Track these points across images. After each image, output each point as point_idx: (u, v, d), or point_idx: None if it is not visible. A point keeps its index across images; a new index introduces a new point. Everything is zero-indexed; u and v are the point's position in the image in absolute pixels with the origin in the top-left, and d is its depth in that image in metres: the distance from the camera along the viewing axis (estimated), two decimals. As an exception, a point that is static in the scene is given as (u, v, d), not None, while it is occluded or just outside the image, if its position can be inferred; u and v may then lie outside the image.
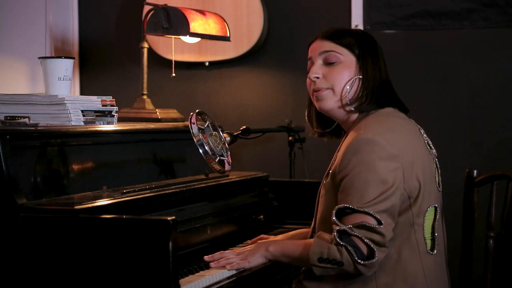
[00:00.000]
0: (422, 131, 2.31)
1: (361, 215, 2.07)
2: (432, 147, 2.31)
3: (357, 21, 3.67)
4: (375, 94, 2.23)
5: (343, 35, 2.28)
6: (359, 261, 2.06)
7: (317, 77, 2.27)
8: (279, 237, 2.58)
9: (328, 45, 2.27)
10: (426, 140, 2.30)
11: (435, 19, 3.61)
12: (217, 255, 2.36)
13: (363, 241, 2.06)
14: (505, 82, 3.55)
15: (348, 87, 2.23)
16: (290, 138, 3.48)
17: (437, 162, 2.30)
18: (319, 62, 2.28)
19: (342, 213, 2.10)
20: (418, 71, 3.64)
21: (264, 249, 2.29)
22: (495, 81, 3.56)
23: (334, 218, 2.10)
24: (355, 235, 2.07)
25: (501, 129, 3.55)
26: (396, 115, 2.25)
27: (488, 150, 3.56)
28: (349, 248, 2.06)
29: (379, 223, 2.06)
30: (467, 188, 2.57)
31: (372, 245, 2.06)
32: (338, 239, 2.08)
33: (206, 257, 2.35)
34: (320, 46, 2.28)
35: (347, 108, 2.24)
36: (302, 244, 2.22)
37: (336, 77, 2.25)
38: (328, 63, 2.27)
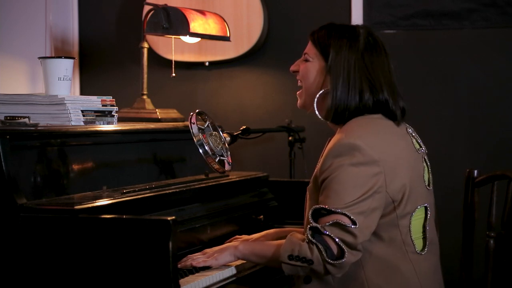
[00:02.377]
0: (410, 130, 2.29)
1: (336, 215, 2.07)
2: (422, 146, 2.29)
3: (357, 21, 3.66)
4: (349, 106, 2.19)
5: (322, 36, 2.25)
6: (328, 260, 2.06)
7: (295, 71, 2.32)
8: (253, 236, 2.58)
9: (309, 45, 2.29)
10: (415, 138, 2.28)
11: (435, 19, 3.61)
12: (184, 258, 2.35)
13: (334, 241, 2.06)
14: (505, 82, 3.55)
15: (316, 100, 2.23)
16: (290, 138, 3.48)
17: (426, 160, 2.28)
18: (302, 58, 2.31)
19: (319, 214, 2.10)
20: (418, 71, 3.64)
21: (233, 248, 2.29)
22: (495, 81, 3.56)
23: (310, 217, 2.10)
24: (327, 234, 2.06)
25: (501, 129, 3.55)
26: (380, 117, 2.22)
27: (488, 150, 3.56)
28: (320, 247, 2.06)
29: (354, 223, 2.06)
30: (468, 188, 2.58)
31: (342, 246, 2.06)
32: (310, 237, 2.08)
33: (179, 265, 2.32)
34: (308, 45, 2.30)
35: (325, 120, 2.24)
36: (274, 245, 2.22)
37: (303, 73, 2.29)
38: (305, 60, 2.30)
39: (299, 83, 2.33)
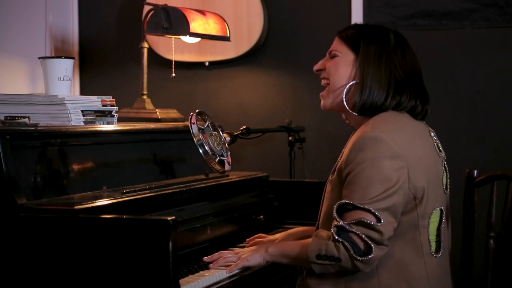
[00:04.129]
0: (433, 134, 2.30)
1: (361, 211, 2.07)
2: (442, 150, 2.31)
3: (357, 21, 3.66)
4: (378, 98, 2.21)
5: (351, 33, 2.27)
6: (356, 257, 2.06)
7: (320, 70, 2.31)
8: (277, 235, 2.58)
9: (335, 43, 2.30)
10: (436, 142, 2.29)
11: (435, 19, 3.61)
12: (216, 255, 2.37)
13: (360, 237, 2.07)
14: (505, 82, 3.55)
15: (345, 91, 2.23)
16: (290, 138, 3.48)
17: (446, 165, 2.30)
18: (327, 56, 2.31)
19: (344, 209, 2.11)
20: (418, 71, 3.64)
21: (263, 251, 2.30)
22: (495, 81, 3.56)
23: (334, 213, 2.11)
24: (353, 232, 2.07)
25: (502, 129, 3.55)
26: (405, 116, 2.24)
27: (488, 150, 3.56)
28: (346, 244, 2.07)
29: (378, 220, 2.06)
30: (468, 188, 2.57)
31: (369, 242, 2.06)
32: (335, 235, 2.09)
33: (205, 258, 2.36)
34: (334, 43, 2.31)
35: (349, 111, 2.25)
36: (301, 244, 2.22)
37: (331, 68, 2.27)
38: (331, 57, 2.30)
39: (323, 82, 2.31)
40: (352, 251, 2.07)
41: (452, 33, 3.60)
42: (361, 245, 2.07)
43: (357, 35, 2.26)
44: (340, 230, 2.09)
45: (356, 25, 2.32)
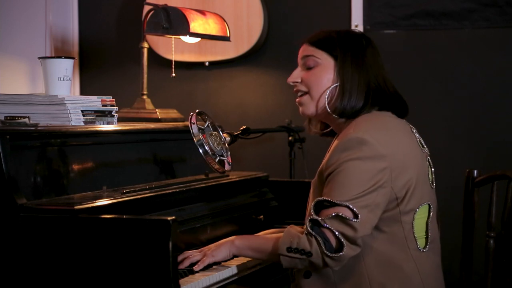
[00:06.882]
0: (414, 131, 2.31)
1: (339, 207, 2.08)
2: (424, 146, 2.32)
3: (357, 21, 3.66)
4: (358, 101, 2.21)
5: (323, 38, 2.27)
6: (326, 253, 2.07)
7: (296, 82, 2.30)
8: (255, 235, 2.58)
9: (308, 50, 2.29)
10: (418, 139, 2.30)
11: (435, 19, 3.61)
12: (181, 256, 2.31)
13: (333, 233, 2.07)
14: (505, 82, 3.55)
15: (327, 95, 2.24)
16: (290, 138, 3.48)
17: (429, 160, 2.31)
18: (300, 67, 2.31)
19: (321, 206, 2.11)
20: (418, 71, 3.64)
21: (229, 243, 2.28)
22: (495, 81, 3.56)
23: (311, 209, 2.11)
24: (326, 227, 2.07)
25: (501, 129, 3.55)
26: (388, 115, 2.25)
27: (488, 150, 3.56)
28: (319, 239, 2.07)
29: (355, 216, 2.07)
30: (467, 188, 2.57)
31: (341, 239, 2.06)
32: (309, 229, 2.09)
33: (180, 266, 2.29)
34: (302, 51, 2.31)
35: (332, 116, 2.25)
36: (271, 238, 2.22)
37: (312, 80, 2.26)
38: (307, 68, 2.28)
39: (299, 94, 2.30)
40: (323, 247, 2.07)
41: (452, 33, 3.60)
42: (333, 241, 2.07)
43: (333, 40, 2.26)
44: (315, 224, 2.09)
45: (324, 30, 2.30)
